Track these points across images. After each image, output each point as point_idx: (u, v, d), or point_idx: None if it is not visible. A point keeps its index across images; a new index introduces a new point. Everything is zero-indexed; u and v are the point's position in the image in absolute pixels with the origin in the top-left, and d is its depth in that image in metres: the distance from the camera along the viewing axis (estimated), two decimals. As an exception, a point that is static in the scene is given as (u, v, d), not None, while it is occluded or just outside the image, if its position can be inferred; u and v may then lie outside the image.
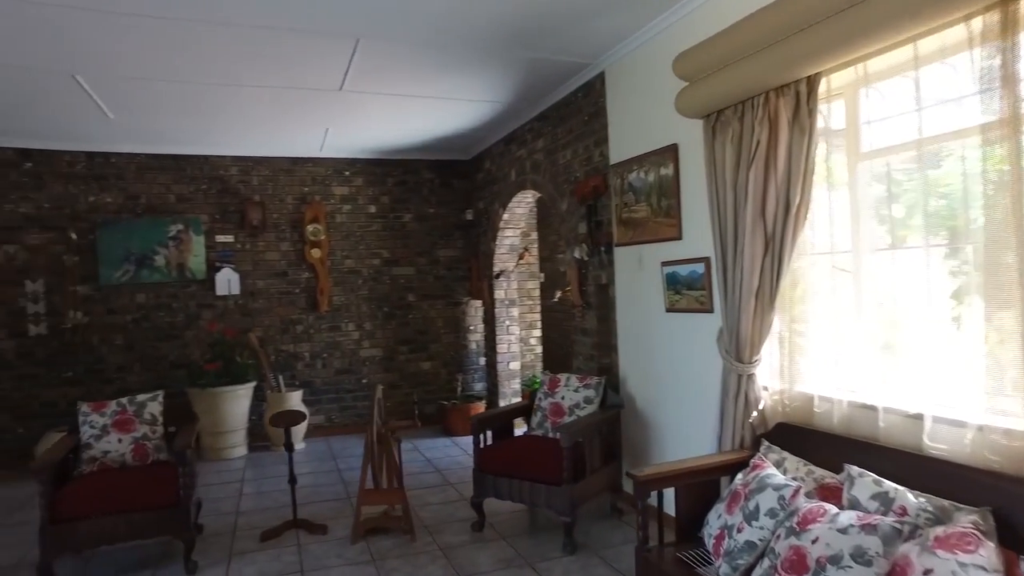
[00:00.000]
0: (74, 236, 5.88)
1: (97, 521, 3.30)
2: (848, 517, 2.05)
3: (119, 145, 5.98)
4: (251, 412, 6.14)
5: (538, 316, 7.31)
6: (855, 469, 2.29)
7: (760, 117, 2.72)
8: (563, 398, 4.05)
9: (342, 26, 3.64)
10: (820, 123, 2.64)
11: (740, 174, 2.83)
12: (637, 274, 4.06)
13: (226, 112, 5.15)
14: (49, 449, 3.53)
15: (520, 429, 4.33)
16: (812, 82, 2.58)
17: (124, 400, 3.91)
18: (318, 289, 6.61)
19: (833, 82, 2.63)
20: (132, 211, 6.10)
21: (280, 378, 6.26)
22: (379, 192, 6.90)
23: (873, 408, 2.49)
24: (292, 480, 4.01)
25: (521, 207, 6.22)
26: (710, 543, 2.51)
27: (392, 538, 3.81)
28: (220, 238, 6.35)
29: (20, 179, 5.81)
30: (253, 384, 6.09)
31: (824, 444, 2.60)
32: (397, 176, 6.96)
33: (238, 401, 5.87)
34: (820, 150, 2.67)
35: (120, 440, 3.75)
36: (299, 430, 6.12)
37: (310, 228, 6.56)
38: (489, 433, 4.10)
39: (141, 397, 3.95)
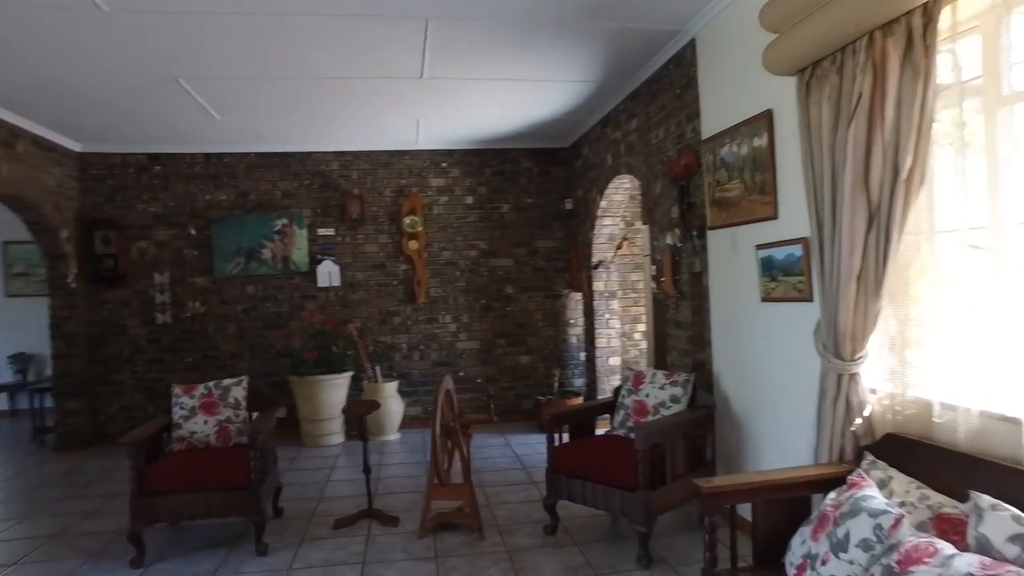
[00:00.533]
0: (193, 232, 6.31)
1: (177, 497, 3.43)
2: (968, 562, 1.59)
3: (231, 146, 6.34)
4: (348, 401, 6.28)
5: (643, 309, 6.89)
6: (986, 499, 1.78)
7: (862, 63, 2.24)
8: (647, 396, 3.70)
9: (407, 7, 3.53)
10: (942, 65, 2.12)
11: (838, 135, 2.37)
12: (731, 259, 3.61)
13: (317, 106, 5.26)
14: (141, 427, 3.72)
15: (606, 428, 4.03)
16: (929, 12, 2.08)
17: (211, 384, 4.06)
18: (415, 281, 6.64)
19: (960, 11, 2.10)
20: (243, 207, 6.45)
21: (377, 369, 6.35)
22: (476, 182, 6.82)
23: (1016, 422, 1.97)
24: (367, 470, 3.98)
25: (619, 193, 5.85)
26: (791, 573, 2.11)
27: (460, 535, 3.66)
28: (321, 231, 6.56)
29: (151, 181, 6.32)
30: (350, 374, 6.22)
31: (945, 463, 2.09)
32: (495, 166, 6.84)
33: (335, 390, 6.01)
34: (941, 100, 2.15)
35: (206, 422, 3.90)
36: (391, 420, 6.18)
37: (407, 220, 6.60)
38: (567, 431, 3.84)
39: (227, 382, 4.09)
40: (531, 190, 6.90)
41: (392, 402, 6.19)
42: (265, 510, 3.58)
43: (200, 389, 4.02)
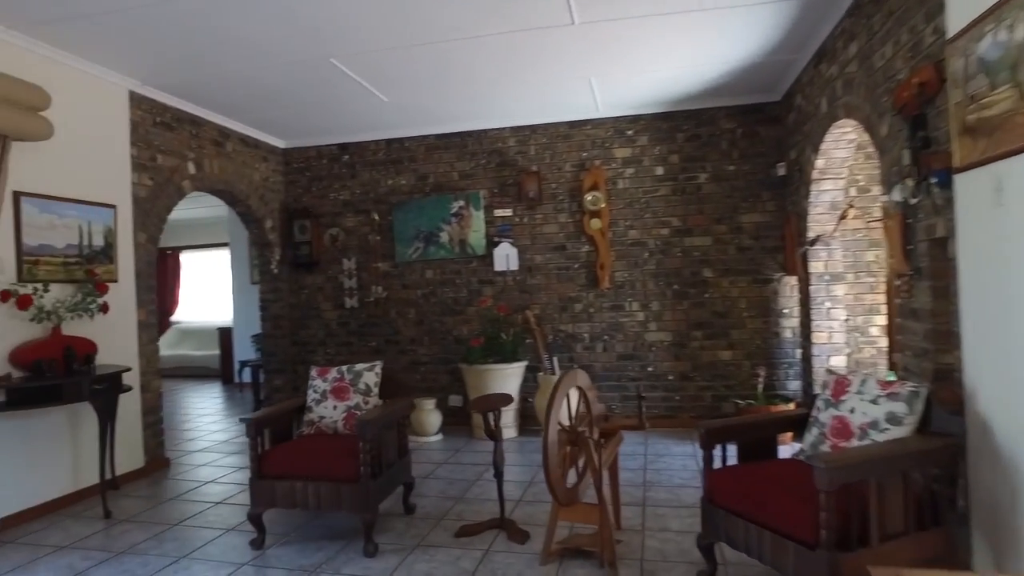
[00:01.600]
0: (376, 217, 6.40)
1: (290, 483, 3.26)
2: None
3: (409, 129, 6.29)
4: (522, 393, 5.86)
5: (882, 298, 5.37)
6: None
7: None
8: (852, 411, 2.61)
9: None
10: None
11: None
12: (993, 214, 2.36)
13: (474, 74, 4.87)
14: (266, 408, 3.65)
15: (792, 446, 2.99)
16: None
17: (344, 368, 3.87)
18: (598, 264, 5.97)
19: None
20: (421, 191, 6.37)
21: (555, 360, 5.82)
22: (667, 150, 5.92)
23: None
24: (497, 474, 3.46)
25: (839, 148, 4.54)
26: None
27: (590, 567, 2.95)
28: (498, 212, 6.21)
29: (340, 170, 6.56)
30: (524, 363, 5.79)
31: None
32: (689, 130, 5.87)
33: (506, 380, 5.62)
34: None
35: (335, 407, 3.71)
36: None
37: (589, 197, 5.95)
38: (733, 450, 2.91)
39: (360, 367, 3.87)
40: (733, 155, 5.79)
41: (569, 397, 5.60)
42: (376, 507, 3.25)
43: (333, 373, 3.85)
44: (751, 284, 5.76)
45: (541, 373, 5.80)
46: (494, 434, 3.47)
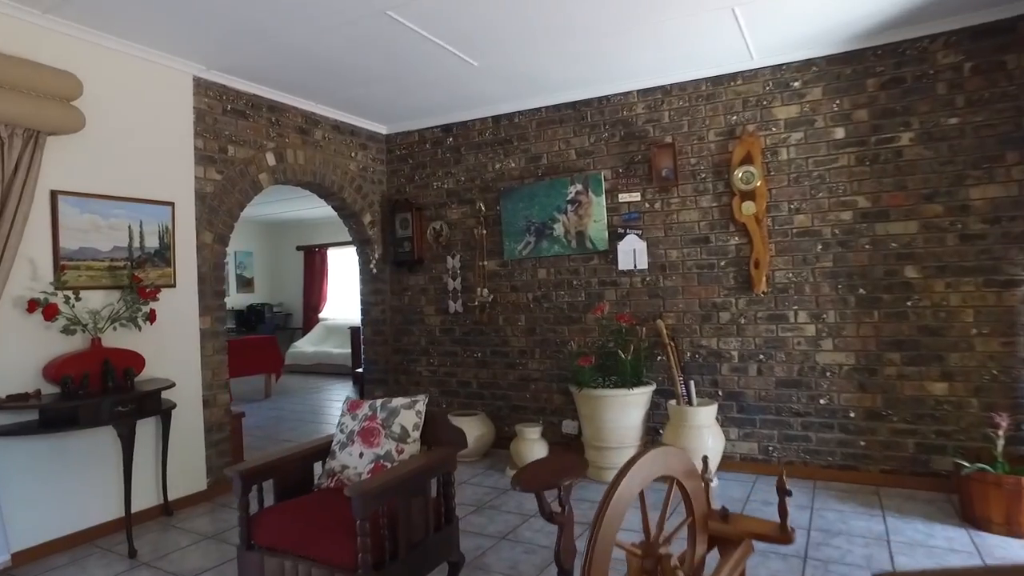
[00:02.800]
0: (482, 207, 5.51)
1: (279, 560, 2.44)
2: None
3: (518, 102, 5.30)
4: (647, 425, 4.63)
5: None
6: None
7: None
8: None
9: None
10: None
11: None
12: None
13: (586, 23, 3.75)
14: (269, 454, 2.86)
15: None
16: None
17: (377, 403, 3.00)
18: (752, 261, 4.55)
19: None
20: (533, 174, 5.36)
21: (691, 385, 4.53)
22: (852, 104, 4.32)
23: None
24: (562, 571, 2.37)
25: None
26: None
27: None
28: (623, 197, 5.01)
29: (444, 155, 5.76)
30: (651, 388, 4.56)
31: None
32: (884, 72, 4.22)
33: (625, 410, 4.44)
34: None
35: (362, 455, 2.85)
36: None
37: (739, 173, 4.55)
38: None
39: (396, 402, 2.96)
40: (957, 102, 4.05)
41: (708, 435, 4.30)
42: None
43: (365, 408, 3.00)
44: (982, 288, 4.00)
45: (673, 401, 4.54)
46: (553, 518, 2.38)
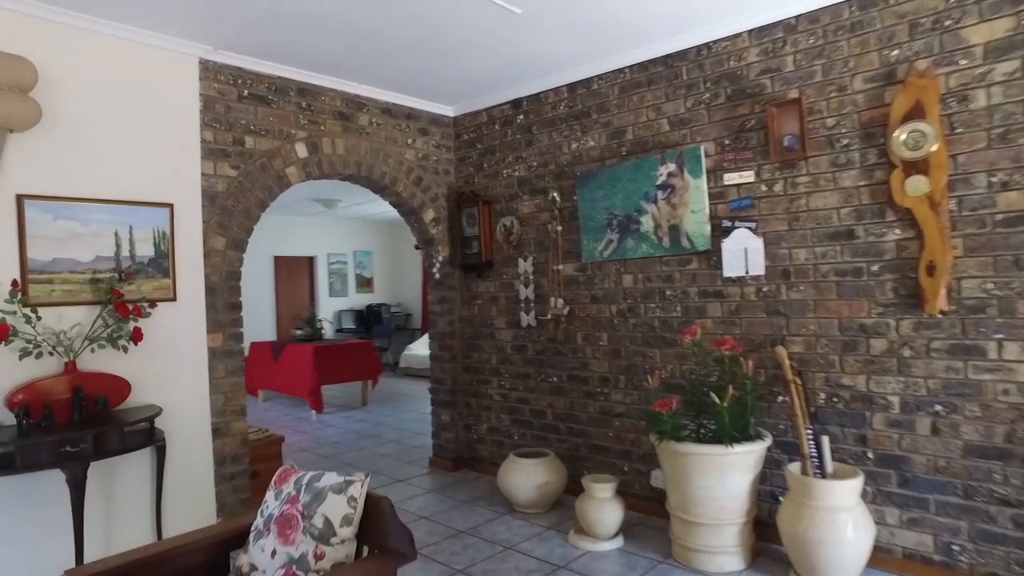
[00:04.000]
0: (556, 197, 4.45)
1: None
2: None
3: (597, 63, 4.18)
4: (756, 494, 3.33)
5: None
6: None
7: None
8: None
9: None
10: None
11: None
12: None
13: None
14: (117, 556, 2.06)
15: None
16: None
17: (304, 479, 2.14)
18: (923, 264, 3.06)
19: None
20: (615, 153, 4.21)
21: (824, 443, 3.16)
22: (1104, 15, 2.68)
23: None
24: None
25: None
26: None
27: None
28: (730, 178, 3.70)
29: (514, 137, 4.78)
30: (761, 446, 3.26)
31: None
32: None
33: (723, 474, 3.18)
34: None
35: (274, 553, 2.00)
36: (843, 556, 2.91)
37: (903, 135, 3.07)
38: None
39: (325, 481, 2.07)
40: None
41: (846, 522, 2.92)
42: None
43: (290, 484, 2.16)
44: None
45: (795, 465, 3.21)
46: None
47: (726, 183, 3.71)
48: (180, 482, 3.61)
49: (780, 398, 3.49)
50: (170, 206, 3.60)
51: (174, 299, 3.61)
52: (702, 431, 3.37)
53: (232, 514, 3.82)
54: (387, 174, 4.69)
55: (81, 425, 3.02)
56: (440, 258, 5.09)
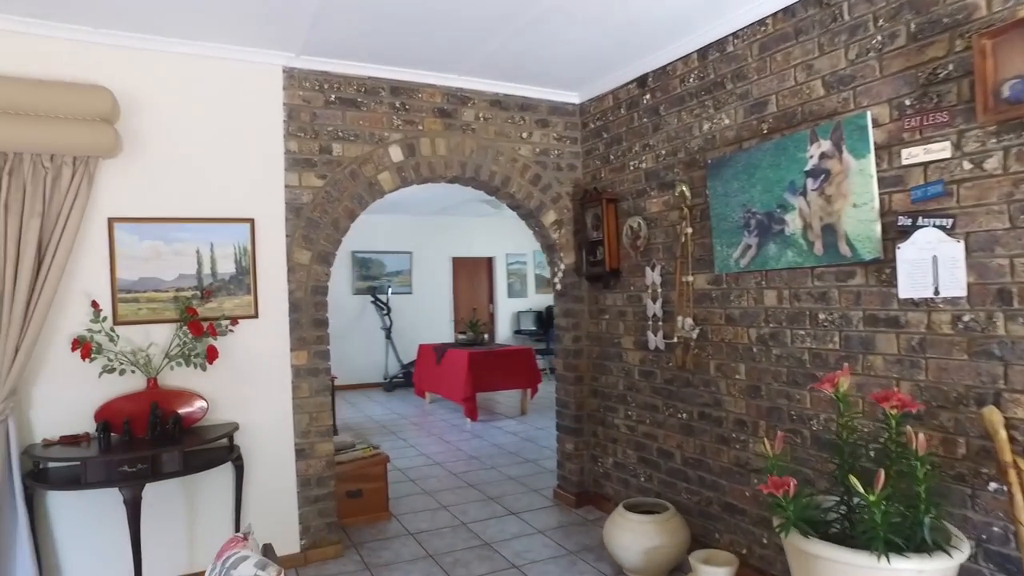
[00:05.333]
0: (686, 192, 3.58)
1: None
2: None
3: (732, 16, 3.24)
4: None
5: None
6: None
7: None
8: None
9: None
10: None
11: None
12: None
13: None
14: None
15: None
16: None
17: (229, 560, 1.74)
18: None
19: None
20: (754, 131, 3.22)
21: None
22: None
23: None
24: None
25: None
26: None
27: None
28: (912, 154, 2.56)
29: (641, 121, 3.98)
30: (947, 562, 2.16)
31: None
32: None
33: (869, 593, 2.17)
34: None
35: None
36: None
37: None
38: None
39: (242, 570, 1.67)
40: None
41: None
42: None
43: (218, 563, 1.79)
44: None
45: (1005, 593, 2.07)
46: None
47: (905, 162, 2.58)
48: (262, 503, 3.55)
49: (992, 485, 2.33)
50: (251, 221, 3.53)
51: (255, 316, 3.55)
52: (843, 526, 2.36)
53: (316, 538, 3.67)
54: (497, 174, 4.22)
55: (153, 443, 3.04)
56: (562, 266, 4.49)
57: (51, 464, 3.01)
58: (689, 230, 3.59)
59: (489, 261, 11.23)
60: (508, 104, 4.27)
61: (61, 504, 3.16)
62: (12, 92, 2.88)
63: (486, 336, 8.21)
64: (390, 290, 10.22)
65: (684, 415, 3.68)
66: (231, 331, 3.45)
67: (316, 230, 3.70)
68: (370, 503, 4.24)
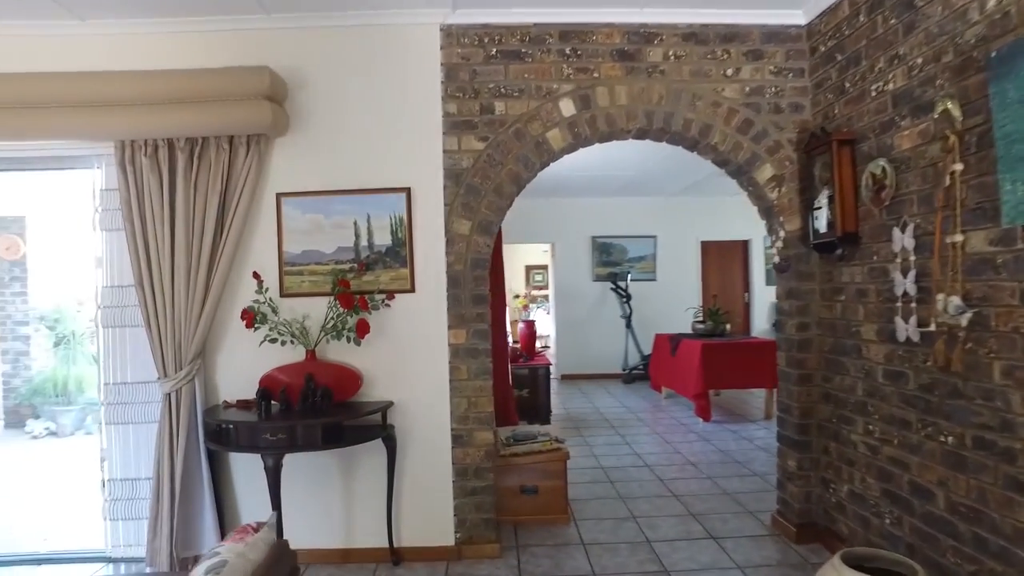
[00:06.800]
0: (952, 110, 2.42)
1: None
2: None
3: None
4: None
5: None
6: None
7: None
8: None
9: None
10: None
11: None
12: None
13: None
14: None
15: None
16: None
17: (207, 562, 1.46)
18: None
19: None
20: (1066, -4, 1.99)
21: None
22: None
23: None
24: None
25: None
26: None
27: None
28: None
29: (888, 23, 2.83)
30: None
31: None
32: None
33: None
34: None
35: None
36: None
37: None
38: None
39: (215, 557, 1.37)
40: None
41: None
42: None
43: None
44: None
45: None
46: None
47: None
48: (416, 489, 3.40)
49: None
50: (407, 190, 3.36)
51: (412, 290, 3.37)
52: None
53: (472, 533, 3.38)
54: (694, 122, 3.44)
55: (301, 414, 3.04)
56: (783, 233, 3.52)
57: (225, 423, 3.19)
58: (958, 166, 2.43)
59: (744, 245, 9.94)
60: (706, 36, 3.46)
61: (241, 460, 3.35)
62: (184, 82, 3.10)
63: (728, 326, 7.16)
64: (629, 276, 9.65)
65: (950, 438, 2.53)
66: (387, 306, 3.33)
67: (477, 197, 3.39)
68: (547, 502, 3.82)
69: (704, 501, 4.13)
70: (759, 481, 4.50)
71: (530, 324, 6.74)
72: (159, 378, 3.22)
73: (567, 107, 3.42)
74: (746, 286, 10.02)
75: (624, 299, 9.51)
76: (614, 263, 9.84)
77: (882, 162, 2.88)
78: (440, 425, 3.39)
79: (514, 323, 6.67)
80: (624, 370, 9.50)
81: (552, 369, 6.92)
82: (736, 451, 5.32)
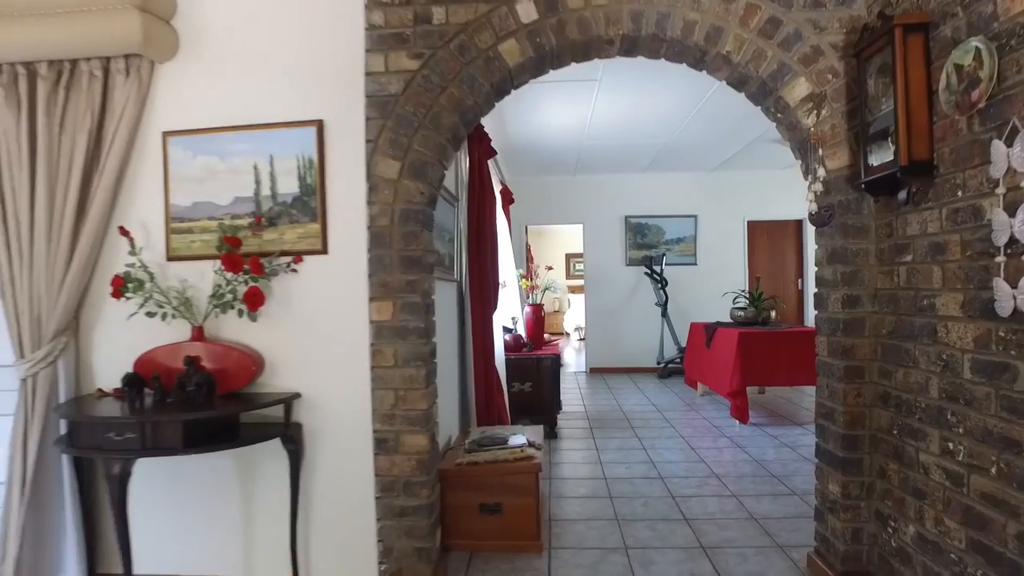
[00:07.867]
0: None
1: None
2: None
3: None
4: None
5: None
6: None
7: None
8: None
9: None
10: None
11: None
12: None
13: None
14: None
15: None
16: None
17: None
18: None
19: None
20: None
21: None
22: None
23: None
24: None
25: None
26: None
27: None
28: None
29: None
30: None
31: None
32: None
33: None
34: None
35: None
36: None
37: None
38: None
39: None
40: None
41: None
42: None
43: None
44: None
45: None
46: None
47: None
48: (328, 507, 2.65)
49: None
50: (318, 123, 2.60)
51: (324, 251, 2.62)
52: None
53: (402, 565, 2.60)
54: (698, 24, 2.55)
55: (173, 407, 2.34)
56: (822, 173, 2.58)
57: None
58: (1103, 27, 1.49)
59: (798, 225, 8.80)
60: (723, -91, 2.55)
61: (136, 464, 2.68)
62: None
63: (772, 313, 6.15)
64: (664, 259, 8.66)
65: (1083, 468, 1.59)
66: (293, 271, 2.59)
67: (409, 131, 2.60)
68: (513, 525, 3.01)
69: (722, 528, 3.22)
70: (798, 503, 3.55)
71: (537, 308, 5.92)
72: (15, 360, 2.59)
73: (526, 10, 2.58)
74: (800, 271, 8.88)
75: (659, 285, 8.54)
76: (650, 245, 8.88)
77: (975, 42, 1.93)
78: (358, 425, 2.63)
79: (540, 310, 5.94)
80: (659, 363, 8.54)
81: (565, 360, 6.05)
82: (774, 461, 4.35)
